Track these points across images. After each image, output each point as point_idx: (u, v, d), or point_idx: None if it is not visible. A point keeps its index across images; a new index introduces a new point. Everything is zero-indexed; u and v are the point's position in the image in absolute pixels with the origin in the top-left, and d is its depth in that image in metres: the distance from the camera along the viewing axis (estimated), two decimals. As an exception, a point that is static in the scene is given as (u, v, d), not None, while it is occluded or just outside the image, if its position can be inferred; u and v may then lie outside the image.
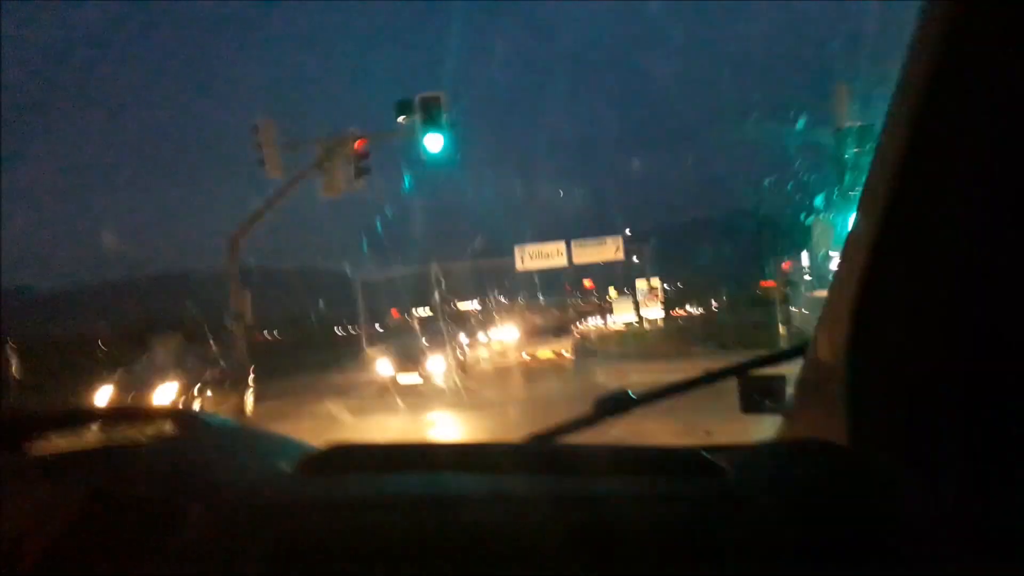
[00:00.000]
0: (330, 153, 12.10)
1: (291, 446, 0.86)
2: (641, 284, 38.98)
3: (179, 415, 1.09)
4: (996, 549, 0.54)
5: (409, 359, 14.26)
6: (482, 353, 21.70)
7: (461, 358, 16.83)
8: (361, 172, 12.39)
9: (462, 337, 19.90)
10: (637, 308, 38.25)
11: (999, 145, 0.50)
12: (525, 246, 33.99)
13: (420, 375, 13.82)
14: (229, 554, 0.62)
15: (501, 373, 17.09)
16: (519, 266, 33.74)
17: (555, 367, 17.10)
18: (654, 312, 34.84)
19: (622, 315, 43.35)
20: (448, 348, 15.42)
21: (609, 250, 33.98)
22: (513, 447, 0.86)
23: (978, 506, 0.56)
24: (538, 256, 33.99)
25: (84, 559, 0.63)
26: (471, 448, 0.82)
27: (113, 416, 0.98)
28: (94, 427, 0.91)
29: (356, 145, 12.22)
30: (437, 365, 14.31)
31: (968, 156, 0.53)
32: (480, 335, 25.48)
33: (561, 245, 33.42)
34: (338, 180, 12.12)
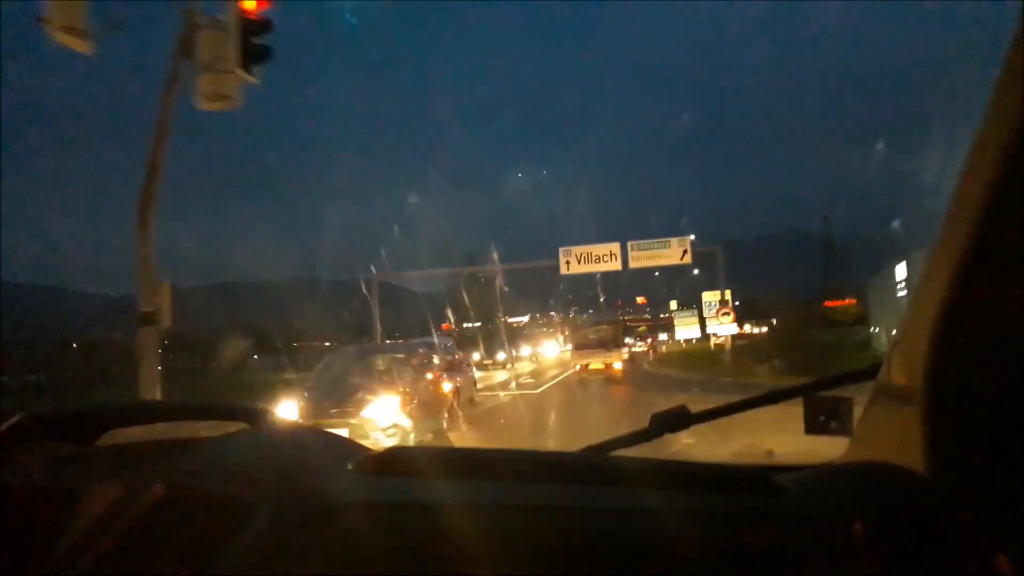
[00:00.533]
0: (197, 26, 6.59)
1: (350, 447, 0.88)
2: (710, 296, 32.33)
3: (245, 412, 1.00)
4: None
5: (338, 398, 9.13)
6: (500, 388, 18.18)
7: (454, 396, 11.29)
8: (258, 55, 6.76)
9: (465, 367, 14.30)
10: (703, 324, 33.53)
11: None
12: (571, 248, 27.88)
13: (352, 422, 8.60)
14: (294, 549, 0.64)
15: (511, 419, 12.83)
16: (563, 270, 27.53)
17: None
18: (726, 328, 28.23)
19: (686, 330, 36.96)
20: (418, 381, 10.00)
21: (674, 253, 27.64)
22: (569, 457, 0.85)
23: None
24: (587, 259, 27.73)
25: (154, 553, 0.65)
26: (526, 456, 0.81)
27: (181, 410, 1.02)
28: (163, 421, 0.94)
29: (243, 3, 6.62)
30: (385, 409, 8.70)
31: None
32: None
33: (615, 247, 27.07)
34: (217, 73, 6.55)
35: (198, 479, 0.72)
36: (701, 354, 31.46)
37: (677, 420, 0.99)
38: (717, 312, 29.53)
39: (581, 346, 21.60)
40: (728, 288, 30.94)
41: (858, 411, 0.95)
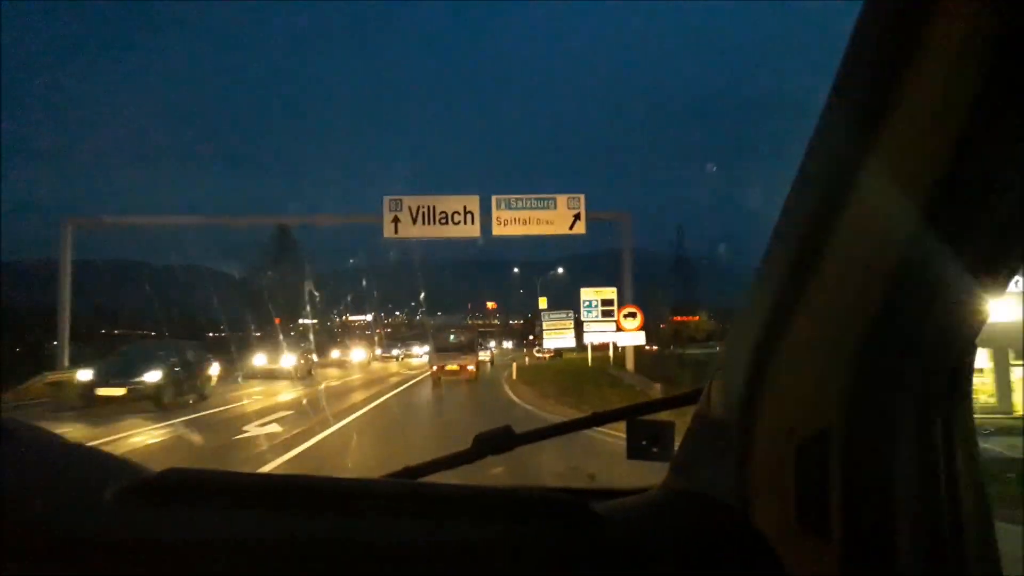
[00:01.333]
0: None
1: (119, 468, 0.74)
2: (592, 294, 23.16)
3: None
4: None
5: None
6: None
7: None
8: None
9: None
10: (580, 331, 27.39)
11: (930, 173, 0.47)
12: (402, 198, 16.61)
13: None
14: None
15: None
16: (388, 232, 16.22)
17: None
18: (629, 337, 19.15)
19: (557, 339, 27.33)
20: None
21: (560, 218, 17.54)
22: (372, 484, 0.79)
23: (862, 570, 0.56)
24: (429, 217, 16.73)
25: None
26: (326, 484, 0.74)
27: None
28: None
29: None
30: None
31: (874, 222, 0.51)
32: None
33: (471, 201, 16.26)
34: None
35: None
36: (584, 371, 21.80)
37: (501, 441, 0.95)
38: (619, 313, 20.35)
39: (441, 349, 21.99)
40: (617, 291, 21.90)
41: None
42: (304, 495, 0.69)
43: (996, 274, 0.50)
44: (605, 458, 5.13)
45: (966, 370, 0.55)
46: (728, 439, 0.70)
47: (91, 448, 0.81)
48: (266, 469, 6.39)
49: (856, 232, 0.52)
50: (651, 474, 0.96)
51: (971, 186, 0.46)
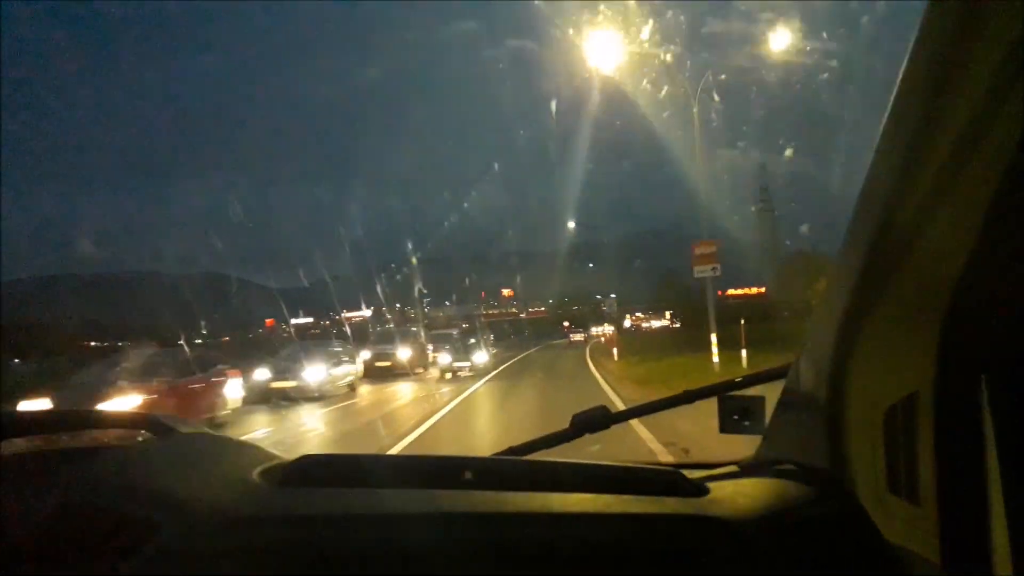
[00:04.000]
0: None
1: (260, 455, 0.82)
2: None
3: (147, 420, 0.93)
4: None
5: None
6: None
7: None
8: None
9: None
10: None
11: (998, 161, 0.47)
12: None
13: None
14: (196, 568, 0.60)
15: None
16: None
17: None
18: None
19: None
20: None
21: None
22: (489, 462, 0.83)
23: (958, 537, 0.56)
24: None
25: (46, 572, 0.61)
26: (444, 463, 0.80)
27: (84, 419, 0.96)
28: (64, 431, 0.89)
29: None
30: None
31: (959, 194, 0.50)
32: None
33: None
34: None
35: (97, 493, 0.66)
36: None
37: (597, 420, 0.98)
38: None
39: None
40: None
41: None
42: (422, 473, 0.75)
43: None
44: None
45: None
46: (818, 410, 0.71)
47: (234, 439, 0.87)
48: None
49: (938, 201, 0.52)
50: (743, 449, 0.99)
51: None
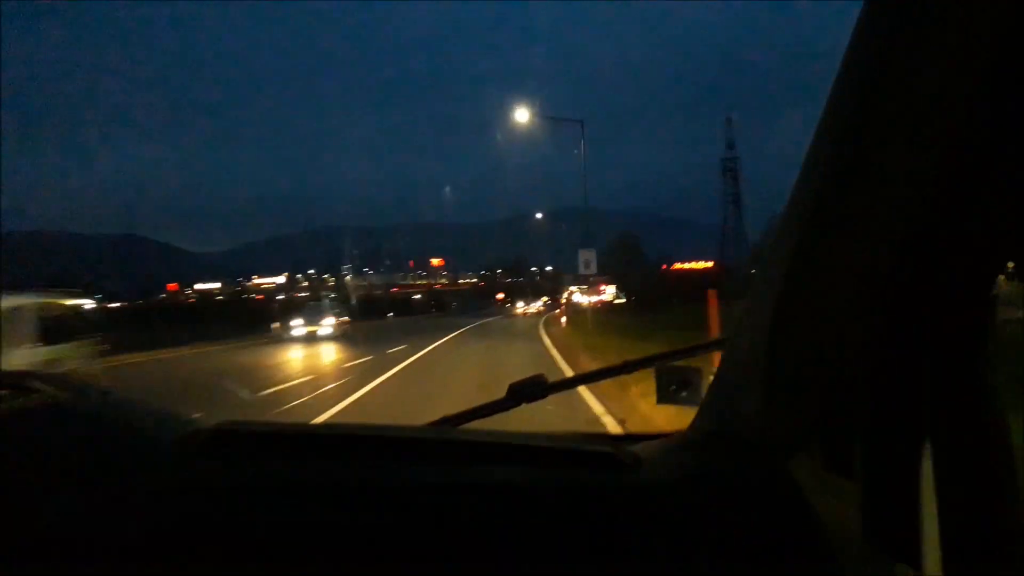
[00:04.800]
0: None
1: (173, 421, 0.78)
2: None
3: (47, 378, 0.85)
4: (899, 551, 0.56)
5: None
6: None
7: None
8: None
9: None
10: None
11: (927, 152, 0.48)
12: None
13: None
14: (99, 544, 0.55)
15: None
16: None
17: None
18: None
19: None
20: None
21: None
22: (416, 432, 0.82)
23: (880, 509, 0.57)
24: None
25: None
26: (371, 432, 0.77)
27: None
28: None
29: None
30: None
31: (897, 161, 0.51)
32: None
33: None
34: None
35: None
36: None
37: (534, 389, 0.98)
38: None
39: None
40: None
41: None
42: (351, 443, 0.73)
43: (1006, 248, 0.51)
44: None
45: (989, 316, 0.55)
46: (754, 382, 0.71)
47: (147, 402, 0.82)
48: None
49: (876, 181, 0.52)
50: (678, 419, 0.99)
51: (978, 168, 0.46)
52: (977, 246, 0.51)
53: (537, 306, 58.66)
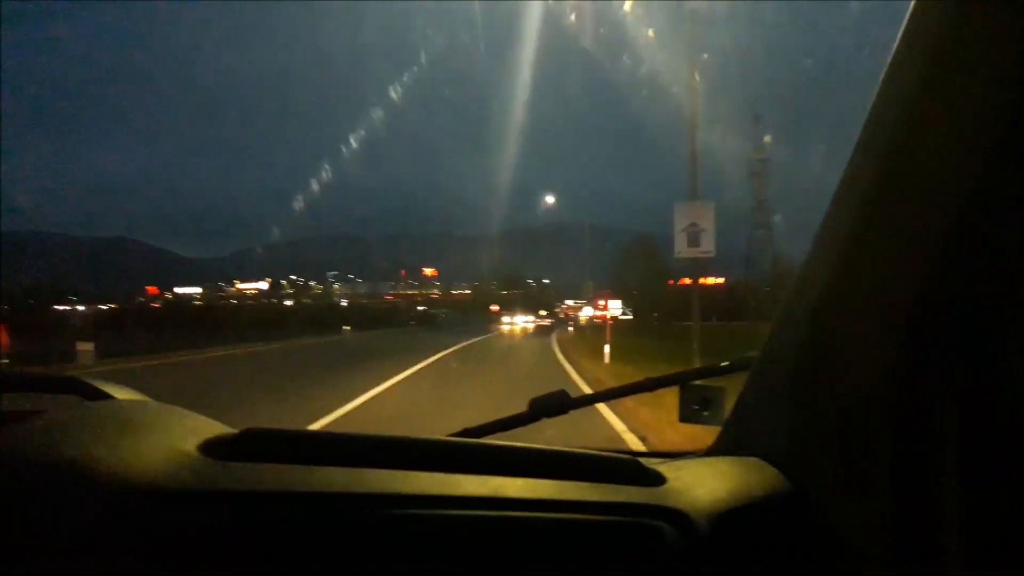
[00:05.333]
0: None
1: (203, 426, 0.77)
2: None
3: (75, 383, 0.87)
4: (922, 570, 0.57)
5: None
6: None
7: None
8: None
9: None
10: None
11: (974, 170, 0.48)
12: None
13: None
14: (123, 547, 0.55)
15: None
16: None
17: None
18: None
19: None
20: None
21: None
22: (443, 443, 0.80)
23: (910, 537, 0.57)
24: None
25: None
26: (396, 442, 0.76)
27: (2, 380, 0.91)
28: None
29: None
30: None
31: (931, 193, 0.51)
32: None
33: None
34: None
35: (14, 460, 0.61)
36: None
37: (555, 405, 0.98)
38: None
39: None
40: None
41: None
42: (376, 452, 0.73)
43: None
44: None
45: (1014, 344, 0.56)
46: (779, 403, 0.72)
47: (174, 407, 0.81)
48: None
49: (911, 206, 0.53)
50: (701, 439, 0.98)
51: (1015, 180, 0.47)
52: (1006, 271, 0.50)
53: (532, 321, 52.12)
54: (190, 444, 0.67)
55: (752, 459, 0.76)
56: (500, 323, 51.14)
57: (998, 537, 0.53)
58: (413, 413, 7.51)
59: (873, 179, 0.56)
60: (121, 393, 0.83)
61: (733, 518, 0.64)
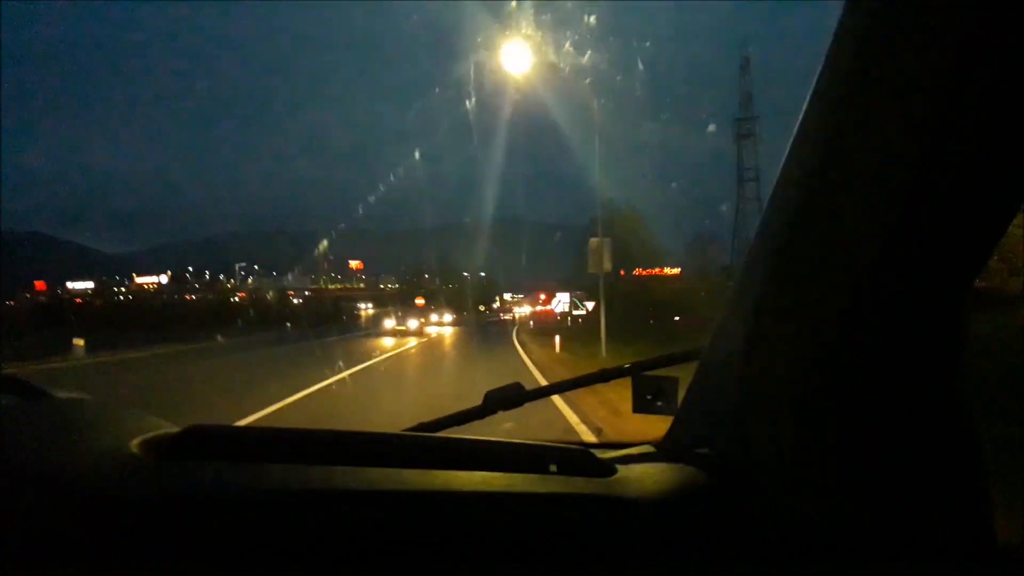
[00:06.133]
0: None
1: (145, 424, 0.75)
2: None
3: (10, 381, 0.83)
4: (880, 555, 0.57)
5: None
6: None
7: None
8: None
9: None
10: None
11: (907, 165, 0.49)
12: None
13: None
14: (60, 553, 0.53)
15: None
16: None
17: None
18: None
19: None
20: None
21: None
22: (391, 437, 0.79)
23: (848, 525, 0.58)
24: None
25: None
26: (346, 437, 0.76)
27: None
28: None
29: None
30: None
31: (874, 175, 0.51)
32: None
33: None
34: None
35: None
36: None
37: (511, 397, 0.98)
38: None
39: None
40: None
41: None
42: (326, 448, 0.71)
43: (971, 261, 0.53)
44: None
45: (961, 323, 0.56)
46: (727, 393, 0.72)
47: (114, 406, 0.79)
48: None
49: (850, 187, 0.53)
50: (655, 428, 0.99)
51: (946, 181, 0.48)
52: (952, 253, 0.51)
53: (438, 319, 40.42)
54: (131, 444, 0.64)
55: (701, 448, 0.76)
56: (412, 327, 29.20)
57: (953, 528, 0.55)
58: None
59: (806, 178, 0.56)
60: (60, 392, 0.80)
61: (677, 508, 0.64)
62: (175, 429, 0.71)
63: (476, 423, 0.96)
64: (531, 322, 37.85)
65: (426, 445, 0.76)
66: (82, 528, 0.53)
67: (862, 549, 0.57)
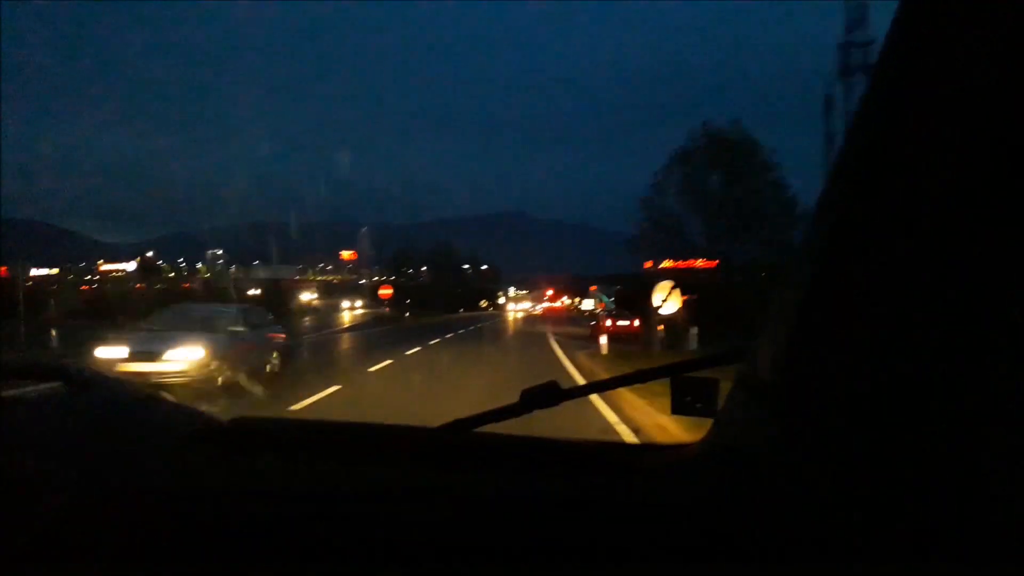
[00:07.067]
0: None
1: (191, 415, 0.77)
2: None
3: (61, 370, 0.84)
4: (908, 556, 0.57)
5: None
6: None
7: None
8: None
9: None
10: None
11: (963, 164, 0.48)
12: None
13: None
14: (106, 539, 0.53)
15: None
16: None
17: None
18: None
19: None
20: None
21: None
22: (431, 434, 0.81)
23: (898, 528, 0.56)
24: None
25: None
26: (387, 432, 0.78)
27: None
28: None
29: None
30: None
31: (930, 175, 0.50)
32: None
33: None
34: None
35: None
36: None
37: (547, 396, 0.96)
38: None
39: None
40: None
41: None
42: (368, 442, 0.73)
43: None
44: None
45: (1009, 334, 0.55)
46: (770, 396, 0.71)
47: (163, 397, 0.80)
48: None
49: (912, 180, 0.52)
50: (694, 430, 0.98)
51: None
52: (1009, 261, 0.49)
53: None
54: (177, 434, 0.67)
55: (741, 451, 0.75)
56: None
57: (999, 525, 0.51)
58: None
59: (866, 161, 0.55)
60: (109, 380, 0.80)
61: (719, 509, 0.64)
62: (222, 420, 0.71)
63: (512, 421, 0.93)
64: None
65: (463, 443, 0.76)
66: (127, 519, 0.53)
67: (902, 553, 0.54)
